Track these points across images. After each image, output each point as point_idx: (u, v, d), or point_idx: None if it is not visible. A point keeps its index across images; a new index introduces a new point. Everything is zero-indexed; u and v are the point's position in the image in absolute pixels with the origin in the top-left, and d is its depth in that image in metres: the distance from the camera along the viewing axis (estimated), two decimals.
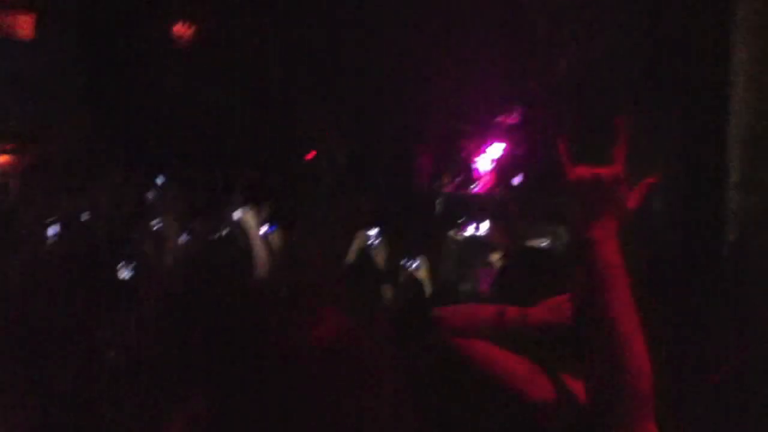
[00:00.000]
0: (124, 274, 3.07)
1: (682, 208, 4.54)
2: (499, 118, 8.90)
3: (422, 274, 3.11)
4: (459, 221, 3.26)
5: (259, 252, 3.55)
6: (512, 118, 8.82)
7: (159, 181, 6.59)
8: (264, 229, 3.82)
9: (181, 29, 8.61)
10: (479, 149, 9.12)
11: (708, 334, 2.19)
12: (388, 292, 3.62)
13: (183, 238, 3.97)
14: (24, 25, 7.94)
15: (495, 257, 3.35)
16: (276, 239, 3.81)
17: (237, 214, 3.87)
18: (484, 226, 3.20)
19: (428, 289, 3.05)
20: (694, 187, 4.41)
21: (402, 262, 3.26)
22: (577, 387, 1.47)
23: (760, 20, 3.46)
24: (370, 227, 3.84)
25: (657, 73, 4.89)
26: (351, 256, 3.71)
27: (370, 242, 3.74)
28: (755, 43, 3.50)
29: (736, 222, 3.71)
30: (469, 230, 3.20)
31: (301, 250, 3.89)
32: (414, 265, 3.16)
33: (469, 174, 9.17)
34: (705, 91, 4.22)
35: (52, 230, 4.06)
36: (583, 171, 1.22)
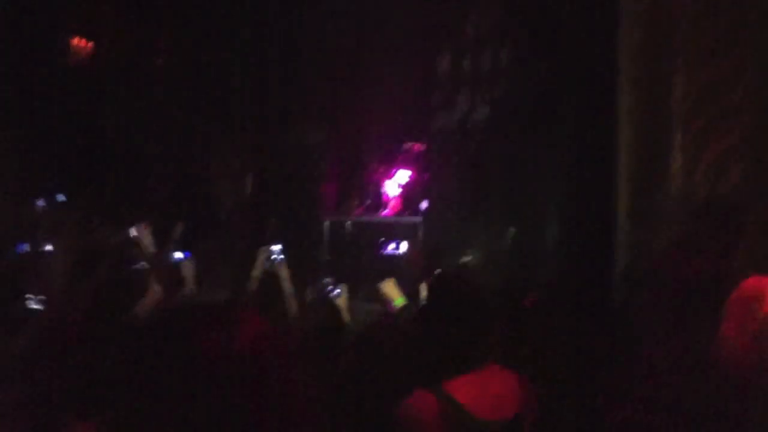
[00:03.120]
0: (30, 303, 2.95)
1: (571, 239, 4.79)
2: (406, 146, 9.10)
3: (341, 302, 3.13)
4: (378, 243, 3.29)
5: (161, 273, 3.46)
6: (418, 146, 9.05)
7: (58, 198, 6.30)
8: (178, 255, 3.74)
9: (78, 43, 8.32)
10: (386, 175, 9.28)
11: (598, 365, 2.30)
12: (294, 310, 3.63)
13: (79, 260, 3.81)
14: None
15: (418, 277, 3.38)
16: (188, 265, 3.74)
17: (132, 232, 3.77)
18: (403, 247, 3.25)
19: (346, 316, 3.06)
20: (584, 219, 4.65)
21: (319, 286, 3.28)
22: None
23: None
24: (273, 244, 3.85)
25: (550, 109, 5.18)
26: (255, 271, 3.71)
27: (273, 257, 3.76)
28: (639, 87, 3.78)
29: (623, 253, 3.95)
30: (389, 251, 3.24)
31: (209, 272, 3.84)
32: (335, 292, 3.18)
33: (377, 198, 9.29)
34: (593, 130, 4.49)
35: None
36: None
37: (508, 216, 5.85)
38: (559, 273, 4.52)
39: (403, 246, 3.18)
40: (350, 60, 8.44)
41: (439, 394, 1.67)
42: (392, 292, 3.08)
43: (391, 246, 3.17)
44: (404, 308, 3.07)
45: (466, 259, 3.98)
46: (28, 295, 3.09)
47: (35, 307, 3.08)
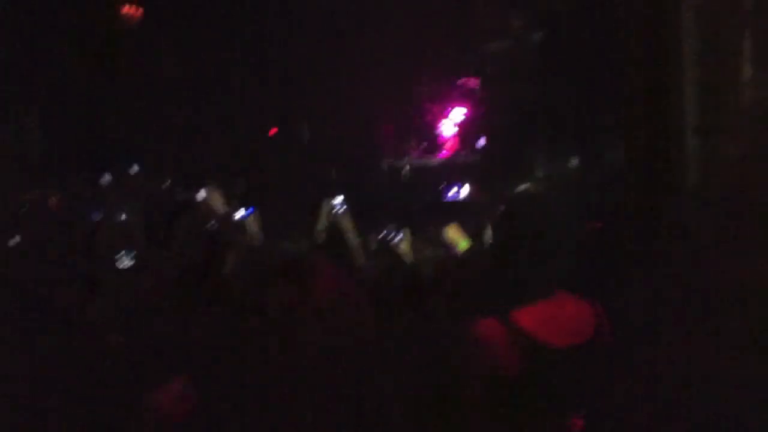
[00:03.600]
0: (122, 263, 3.08)
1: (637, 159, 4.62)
2: (459, 82, 8.93)
3: (404, 247, 3.15)
4: (440, 187, 3.27)
5: (232, 232, 3.57)
6: (472, 81, 8.86)
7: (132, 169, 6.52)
8: (242, 212, 3.83)
9: (129, 11, 8.42)
10: (441, 114, 9.15)
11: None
12: (361, 259, 3.68)
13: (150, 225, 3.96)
14: None
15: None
16: (254, 221, 3.83)
17: (201, 194, 3.87)
18: (465, 190, 3.22)
19: (409, 260, 3.09)
20: (650, 137, 4.47)
21: (381, 234, 3.29)
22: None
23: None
24: (336, 195, 3.88)
25: (609, 24, 4.94)
26: (320, 224, 3.75)
27: (336, 209, 3.79)
28: None
29: (693, 172, 3.80)
30: (452, 194, 3.22)
31: (275, 228, 3.92)
32: (397, 238, 3.19)
33: (433, 139, 9.20)
34: (657, 41, 4.27)
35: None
36: None
37: (572, 142, 5.70)
38: (625, 197, 4.40)
39: (465, 190, 3.15)
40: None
41: (506, 322, 1.68)
42: (456, 236, 3.11)
43: (453, 190, 3.15)
44: (469, 251, 3.08)
45: (524, 186, 3.88)
46: (120, 253, 3.22)
47: (129, 263, 3.21)
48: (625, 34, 4.70)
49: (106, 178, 5.90)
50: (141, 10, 8.31)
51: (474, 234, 3.09)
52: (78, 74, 7.58)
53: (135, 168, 6.88)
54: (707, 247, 2.23)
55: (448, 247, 3.07)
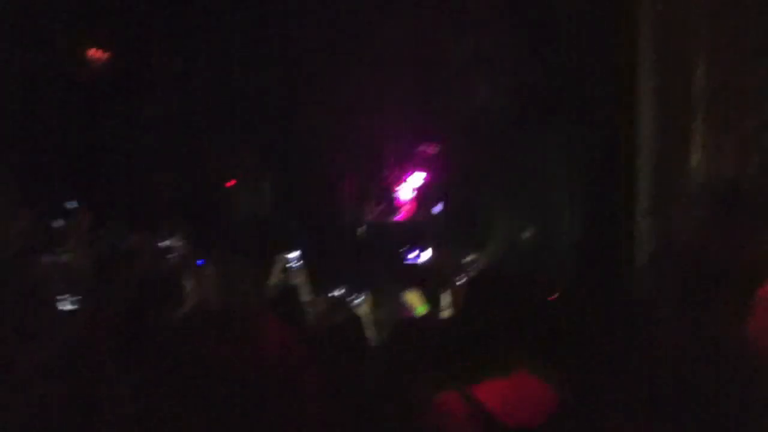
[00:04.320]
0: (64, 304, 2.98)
1: (591, 232, 4.72)
2: (419, 148, 9.08)
3: (365, 309, 3.11)
4: (401, 249, 3.26)
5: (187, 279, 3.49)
6: (431, 148, 9.02)
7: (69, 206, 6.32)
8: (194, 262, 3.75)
9: (96, 54, 8.38)
10: (400, 178, 9.25)
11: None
12: (312, 317, 3.60)
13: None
14: None
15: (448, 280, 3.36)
16: (205, 271, 3.75)
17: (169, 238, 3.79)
18: (427, 254, 3.23)
19: (369, 324, 3.04)
20: (604, 211, 4.58)
21: (335, 292, 3.25)
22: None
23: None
24: (291, 251, 3.84)
25: (566, 101, 5.11)
26: (273, 278, 3.70)
27: (290, 265, 3.75)
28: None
29: (645, 245, 3.89)
30: (412, 258, 3.23)
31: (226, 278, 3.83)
32: (357, 301, 3.16)
33: (391, 202, 9.26)
34: (613, 120, 4.43)
35: None
36: None
37: (526, 212, 5.80)
38: (579, 267, 4.46)
39: (426, 254, 3.15)
40: (361, 58, 8.43)
41: (467, 397, 1.64)
42: (415, 300, 3.11)
43: (414, 254, 3.14)
44: (426, 317, 3.06)
45: (472, 257, 3.93)
46: (61, 297, 3.13)
47: (70, 307, 3.12)
48: (584, 116, 4.87)
49: (56, 219, 5.73)
50: (107, 54, 8.28)
51: (432, 299, 3.09)
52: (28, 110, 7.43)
53: (73, 204, 6.69)
54: (662, 319, 2.25)
55: (405, 310, 3.06)
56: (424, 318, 3.08)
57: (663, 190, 3.77)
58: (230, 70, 8.30)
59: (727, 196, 2.59)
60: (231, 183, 8.25)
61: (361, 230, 8.63)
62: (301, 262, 3.83)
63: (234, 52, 8.31)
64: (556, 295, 2.44)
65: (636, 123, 3.86)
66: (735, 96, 3.27)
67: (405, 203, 9.13)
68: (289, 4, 8.18)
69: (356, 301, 3.19)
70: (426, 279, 3.71)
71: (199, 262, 3.90)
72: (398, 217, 9.04)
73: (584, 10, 4.53)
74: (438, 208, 8.80)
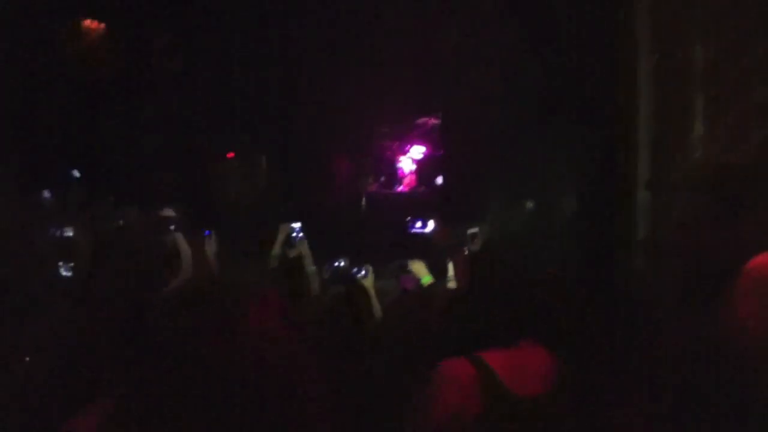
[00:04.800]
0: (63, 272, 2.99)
1: (589, 211, 4.75)
2: (420, 120, 9.07)
3: (368, 282, 3.13)
4: (405, 222, 3.26)
5: (188, 252, 3.50)
6: (432, 121, 9.00)
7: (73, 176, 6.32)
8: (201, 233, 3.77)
9: (91, 24, 8.30)
10: (401, 151, 9.26)
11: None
12: (316, 289, 3.64)
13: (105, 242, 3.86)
14: None
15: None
16: (212, 243, 3.77)
17: (165, 213, 3.80)
18: (431, 225, 3.23)
19: (373, 297, 3.06)
20: (602, 190, 4.60)
21: (335, 263, 3.27)
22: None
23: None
24: (293, 221, 3.85)
25: (566, 83, 5.10)
26: (276, 248, 3.71)
27: (294, 235, 3.75)
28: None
29: (643, 225, 3.91)
30: (417, 228, 3.23)
31: (229, 250, 3.86)
32: (361, 273, 3.17)
33: (392, 174, 9.29)
34: (611, 101, 4.43)
35: None
36: None
37: (526, 189, 5.81)
38: (577, 247, 4.49)
39: (430, 225, 3.16)
40: (362, 35, 8.38)
41: (476, 362, 1.65)
42: (421, 270, 3.13)
43: (418, 225, 3.15)
44: (431, 286, 3.09)
45: (474, 230, 3.93)
46: (60, 263, 3.14)
47: (67, 274, 3.12)
48: (583, 91, 4.87)
49: (47, 193, 5.73)
50: (103, 24, 8.21)
51: (434, 271, 3.12)
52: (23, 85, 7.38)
53: (76, 174, 6.70)
54: (659, 299, 2.28)
55: (410, 279, 3.10)
56: (427, 289, 3.11)
57: (662, 169, 3.79)
58: (228, 50, 8.25)
59: (726, 181, 2.61)
60: (231, 155, 8.26)
61: (362, 202, 8.66)
62: (302, 234, 3.84)
63: (231, 36, 8.26)
64: (554, 271, 2.48)
65: (635, 101, 3.87)
66: (733, 74, 3.27)
67: (405, 175, 9.16)
68: None
69: (360, 273, 3.20)
70: (429, 250, 3.74)
71: (206, 232, 3.91)
72: (399, 189, 9.08)
73: None
74: (439, 181, 8.83)
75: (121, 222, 4.22)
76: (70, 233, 3.81)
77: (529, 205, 5.84)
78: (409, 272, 3.14)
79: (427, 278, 3.13)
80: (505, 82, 6.39)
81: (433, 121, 9.06)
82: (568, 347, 1.78)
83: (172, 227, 4.04)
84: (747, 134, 3.40)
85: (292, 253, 3.72)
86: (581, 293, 2.17)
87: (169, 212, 4.43)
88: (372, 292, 2.98)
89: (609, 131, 4.49)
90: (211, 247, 3.76)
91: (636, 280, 3.02)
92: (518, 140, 5.95)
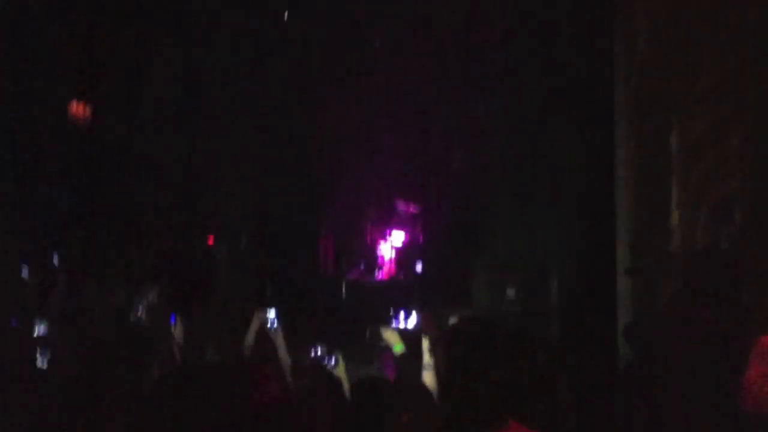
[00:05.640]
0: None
1: (572, 298, 4.73)
2: (400, 207, 9.12)
3: (340, 371, 3.04)
4: (384, 311, 3.21)
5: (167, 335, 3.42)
6: (412, 207, 9.06)
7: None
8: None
9: (78, 109, 8.38)
10: (381, 237, 9.25)
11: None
12: (290, 377, 3.52)
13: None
14: None
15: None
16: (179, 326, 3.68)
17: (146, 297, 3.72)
18: (413, 319, 3.19)
19: (345, 384, 2.97)
20: (585, 278, 4.60)
21: (315, 352, 3.18)
22: None
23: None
24: (268, 309, 3.78)
25: (547, 168, 5.18)
26: (250, 335, 3.61)
27: (269, 323, 3.67)
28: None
29: (625, 312, 3.90)
30: (398, 321, 3.18)
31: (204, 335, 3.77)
32: (332, 362, 3.09)
33: (372, 261, 9.23)
34: (591, 188, 4.51)
35: None
36: None
37: (509, 275, 5.79)
38: (561, 331, 4.44)
39: (413, 319, 3.10)
40: (345, 115, 8.53)
41: None
42: (393, 338, 3.07)
43: (401, 316, 3.09)
44: (404, 356, 3.03)
45: (463, 315, 3.89)
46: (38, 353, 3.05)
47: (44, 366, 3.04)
48: (562, 177, 4.94)
49: (28, 274, 5.60)
50: (89, 110, 8.29)
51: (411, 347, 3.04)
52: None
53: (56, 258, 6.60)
54: (646, 380, 2.23)
55: (384, 348, 3.02)
56: (400, 358, 3.04)
57: (642, 251, 3.80)
58: (209, 125, 8.33)
59: (703, 262, 2.61)
60: (210, 240, 8.19)
61: (341, 289, 8.56)
62: (278, 321, 3.76)
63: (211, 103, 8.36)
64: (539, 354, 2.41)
65: (614, 188, 3.93)
66: (711, 159, 3.34)
67: (386, 262, 9.11)
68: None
69: (331, 362, 3.11)
70: (410, 340, 3.68)
71: (171, 318, 3.83)
72: (379, 275, 9.00)
73: (563, 76, 4.65)
74: (419, 267, 8.79)
75: (101, 305, 4.15)
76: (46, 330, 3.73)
77: (512, 291, 5.79)
78: (383, 341, 3.08)
79: (399, 346, 3.07)
80: (484, 168, 6.49)
81: (413, 207, 9.12)
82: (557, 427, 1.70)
83: (153, 311, 3.95)
84: (725, 219, 3.43)
85: (266, 342, 3.62)
86: (566, 375, 2.11)
87: (151, 296, 4.35)
88: (345, 378, 2.89)
89: (589, 219, 4.53)
90: (179, 332, 3.67)
91: (623, 362, 2.96)
92: (501, 225, 5.97)
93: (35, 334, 3.77)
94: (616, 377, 2.59)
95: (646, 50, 3.71)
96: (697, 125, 3.51)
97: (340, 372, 3.05)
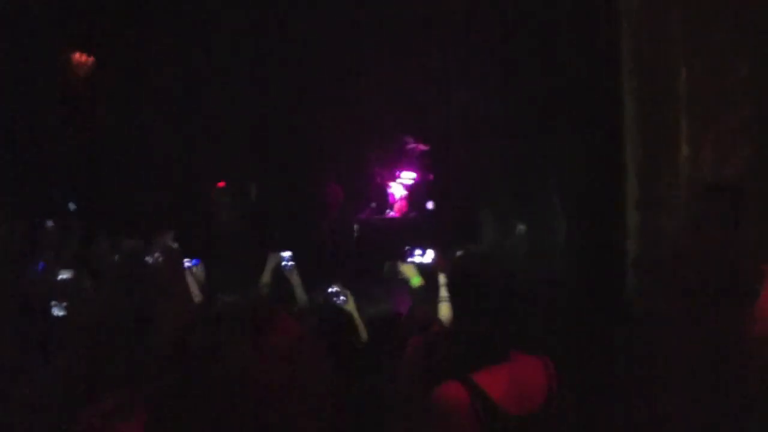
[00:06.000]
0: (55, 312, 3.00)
1: (581, 232, 4.76)
2: (410, 146, 9.09)
3: (350, 307, 3.12)
4: (405, 249, 3.26)
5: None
6: (422, 146, 9.03)
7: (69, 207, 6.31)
8: (187, 263, 3.76)
9: (80, 58, 8.33)
10: (391, 176, 9.27)
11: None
12: (307, 313, 3.62)
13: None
14: None
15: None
16: (199, 271, 3.77)
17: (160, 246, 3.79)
18: (429, 255, 3.24)
19: (357, 321, 3.05)
20: (593, 211, 4.61)
21: (328, 290, 3.24)
22: None
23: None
24: (283, 250, 3.84)
25: (555, 105, 5.15)
26: (265, 276, 3.69)
27: (283, 264, 3.74)
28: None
29: (634, 243, 3.93)
30: (416, 258, 3.24)
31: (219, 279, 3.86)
32: (340, 299, 3.15)
33: (383, 200, 9.28)
34: (599, 123, 4.48)
35: None
36: None
37: (517, 211, 5.83)
38: (570, 267, 4.49)
39: (429, 254, 3.15)
40: (351, 59, 8.44)
41: (470, 386, 1.64)
42: (410, 272, 3.14)
43: (417, 252, 3.14)
44: (420, 288, 3.10)
45: (472, 249, 3.93)
46: (53, 302, 3.14)
47: (60, 313, 3.13)
48: (571, 114, 4.91)
49: (48, 224, 5.70)
50: (92, 58, 8.23)
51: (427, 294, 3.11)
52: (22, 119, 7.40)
53: (72, 206, 6.70)
54: (649, 314, 2.28)
55: (402, 281, 3.11)
56: (416, 290, 3.12)
57: (650, 186, 3.81)
58: (219, 79, 8.32)
59: (707, 196, 2.62)
60: (221, 184, 8.24)
61: (354, 227, 8.64)
62: (293, 262, 3.82)
63: (224, 61, 8.34)
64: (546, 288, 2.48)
65: (622, 124, 3.90)
66: (717, 94, 3.31)
67: (397, 201, 9.15)
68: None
69: (340, 299, 3.19)
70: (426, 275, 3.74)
71: (194, 261, 3.90)
72: (390, 214, 9.06)
73: (569, 16, 4.56)
74: (429, 206, 8.83)
75: (117, 253, 4.23)
76: (66, 276, 3.80)
77: (521, 228, 5.84)
78: (400, 275, 3.16)
79: (416, 279, 3.15)
80: (494, 105, 6.44)
81: (423, 146, 9.09)
82: (562, 357, 1.76)
83: (168, 257, 4.03)
84: (732, 152, 3.43)
85: (282, 281, 3.70)
86: (575, 307, 2.17)
87: (165, 243, 4.42)
88: (356, 314, 2.97)
89: (597, 153, 4.52)
90: (199, 275, 3.75)
91: (630, 295, 3.02)
92: (509, 164, 5.97)
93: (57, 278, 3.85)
94: (623, 312, 2.65)
95: None
96: (704, 55, 3.46)
97: (350, 307, 3.13)
